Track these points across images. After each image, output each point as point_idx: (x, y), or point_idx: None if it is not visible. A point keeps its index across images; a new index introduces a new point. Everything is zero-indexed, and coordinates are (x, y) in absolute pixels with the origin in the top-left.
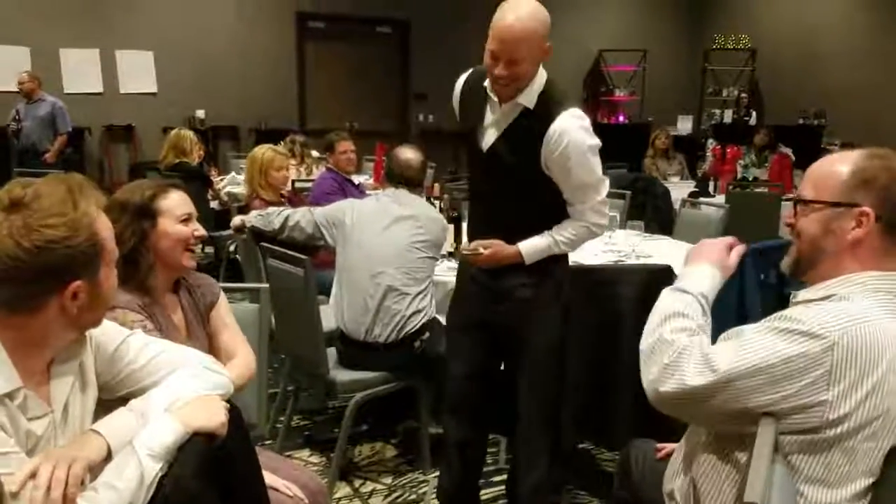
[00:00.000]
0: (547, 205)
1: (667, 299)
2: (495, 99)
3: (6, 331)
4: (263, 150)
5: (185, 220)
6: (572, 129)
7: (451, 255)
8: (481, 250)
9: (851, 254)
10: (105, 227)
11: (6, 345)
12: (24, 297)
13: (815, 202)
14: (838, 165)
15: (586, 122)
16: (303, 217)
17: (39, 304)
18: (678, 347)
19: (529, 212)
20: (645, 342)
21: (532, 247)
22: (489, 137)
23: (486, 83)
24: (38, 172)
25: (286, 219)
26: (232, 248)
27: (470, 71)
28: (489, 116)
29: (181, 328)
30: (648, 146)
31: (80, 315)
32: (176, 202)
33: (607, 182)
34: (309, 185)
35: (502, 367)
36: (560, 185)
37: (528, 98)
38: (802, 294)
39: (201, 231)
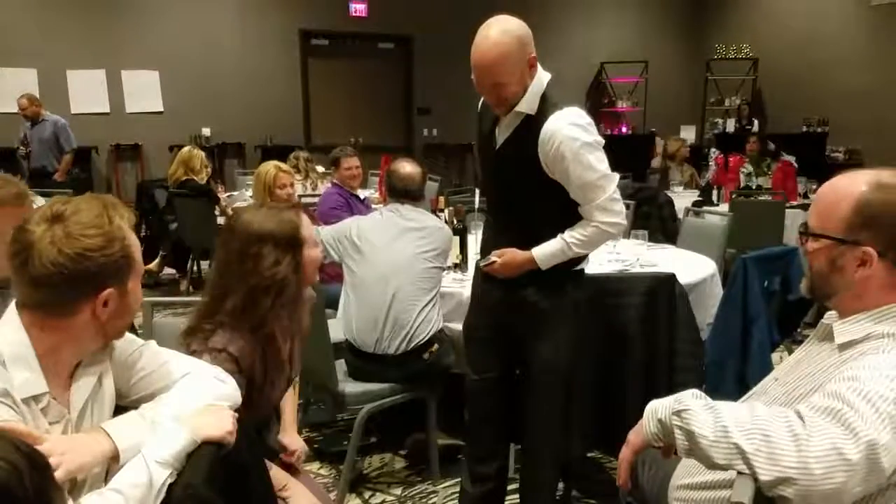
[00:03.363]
0: (558, 210)
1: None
2: (502, 114)
3: (42, 332)
4: (267, 168)
5: (316, 244)
6: (563, 127)
7: (456, 266)
8: (493, 259)
9: (863, 289)
10: (134, 243)
11: (38, 348)
12: (61, 301)
13: (819, 236)
14: (844, 194)
15: (582, 119)
16: None
17: (74, 309)
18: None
19: (541, 219)
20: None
21: (544, 251)
22: (496, 146)
23: None
24: (47, 193)
25: None
26: None
27: None
28: (498, 128)
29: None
30: (663, 156)
31: (109, 321)
32: (309, 227)
33: (615, 178)
34: (315, 199)
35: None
36: (565, 187)
37: (529, 105)
38: (841, 335)
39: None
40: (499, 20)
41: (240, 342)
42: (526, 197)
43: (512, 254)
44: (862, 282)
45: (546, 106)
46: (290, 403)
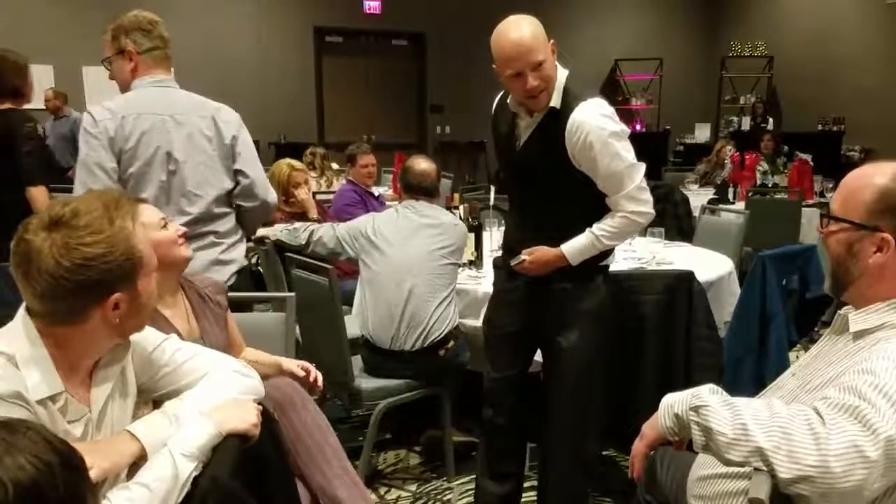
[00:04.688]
0: (585, 205)
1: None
2: (523, 114)
3: (52, 338)
4: (281, 168)
5: (164, 226)
6: (590, 117)
7: (471, 263)
8: (523, 257)
9: (878, 278)
10: (141, 240)
11: (51, 350)
12: (66, 310)
13: (839, 220)
14: (869, 182)
15: (607, 109)
16: (325, 233)
17: (83, 316)
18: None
19: (569, 214)
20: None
21: (574, 246)
22: (519, 143)
23: (510, 104)
24: (60, 189)
25: (311, 234)
26: (254, 259)
27: (503, 92)
28: (518, 126)
29: (193, 332)
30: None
31: (123, 323)
32: (147, 213)
33: (642, 168)
34: (330, 196)
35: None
36: (593, 178)
37: (556, 99)
38: (856, 323)
39: (183, 228)
40: (512, 17)
41: None
42: (553, 193)
43: (542, 251)
44: (877, 269)
45: (569, 98)
46: (260, 354)
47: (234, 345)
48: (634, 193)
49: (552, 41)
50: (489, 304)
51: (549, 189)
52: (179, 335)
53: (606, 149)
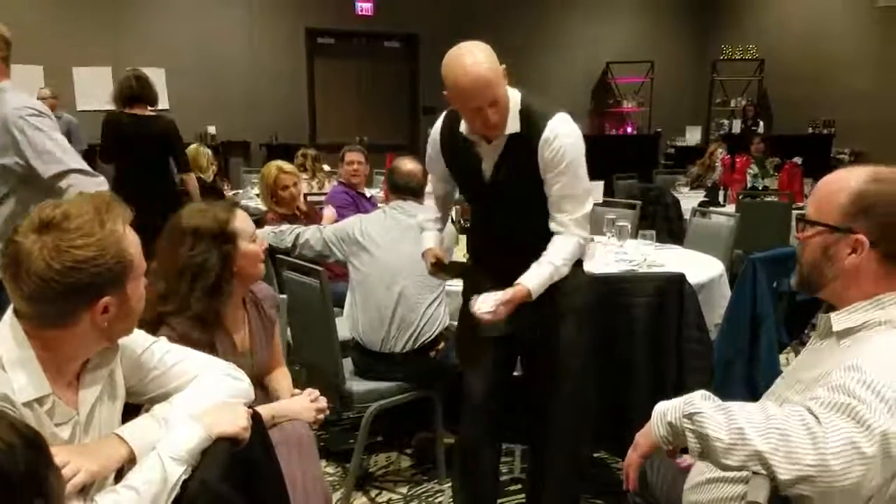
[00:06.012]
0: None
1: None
2: (478, 140)
3: (39, 341)
4: (270, 170)
5: (254, 238)
6: (565, 131)
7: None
8: (500, 308)
9: (854, 279)
10: (132, 243)
11: (39, 352)
12: (55, 313)
13: (814, 223)
14: (844, 185)
15: (575, 125)
16: (312, 235)
17: (72, 319)
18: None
19: (540, 230)
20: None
21: (537, 283)
22: (486, 169)
23: (463, 130)
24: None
25: (297, 237)
26: None
27: (444, 114)
28: (479, 151)
29: (245, 345)
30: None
31: (112, 327)
32: (245, 222)
33: (591, 199)
34: (321, 198)
35: (516, 375)
36: (550, 192)
37: (513, 125)
38: (838, 322)
39: (265, 244)
40: (467, 44)
41: (190, 334)
42: (526, 211)
43: (515, 299)
44: (852, 270)
45: (533, 119)
46: (285, 390)
47: (276, 360)
48: (583, 221)
49: (503, 66)
50: (464, 313)
51: (523, 209)
52: (235, 349)
53: (575, 167)
